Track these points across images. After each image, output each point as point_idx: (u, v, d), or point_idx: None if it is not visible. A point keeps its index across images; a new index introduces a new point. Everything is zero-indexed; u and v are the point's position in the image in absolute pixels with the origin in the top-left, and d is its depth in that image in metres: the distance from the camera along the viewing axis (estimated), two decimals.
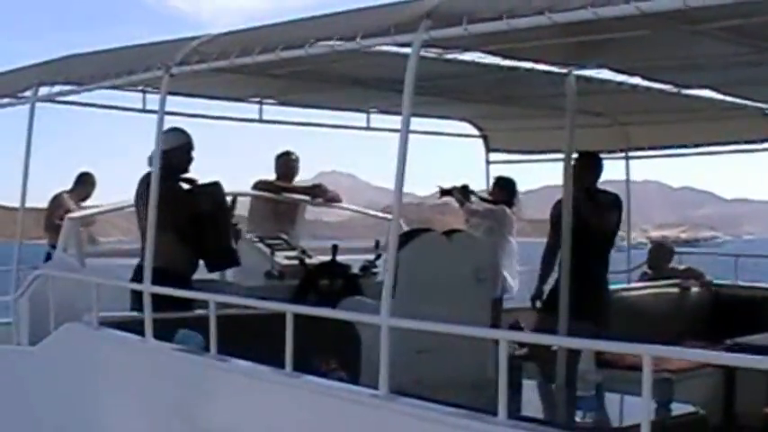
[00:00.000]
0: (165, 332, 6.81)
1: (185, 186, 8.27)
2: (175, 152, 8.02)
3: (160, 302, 6.89)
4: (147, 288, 6.83)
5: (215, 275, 8.84)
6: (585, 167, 8.47)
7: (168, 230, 7.64)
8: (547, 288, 9.34)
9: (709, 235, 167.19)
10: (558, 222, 8.61)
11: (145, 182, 8.05)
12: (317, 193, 10.45)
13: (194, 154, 8.33)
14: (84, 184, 11.84)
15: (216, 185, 8.42)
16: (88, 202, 11.81)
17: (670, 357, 8.70)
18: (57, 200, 11.41)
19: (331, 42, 5.65)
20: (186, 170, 8.27)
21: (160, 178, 7.34)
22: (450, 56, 7.19)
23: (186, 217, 7.95)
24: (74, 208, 11.02)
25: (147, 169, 7.95)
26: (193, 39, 7.00)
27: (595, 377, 6.26)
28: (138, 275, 7.73)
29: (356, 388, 5.65)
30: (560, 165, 7.70)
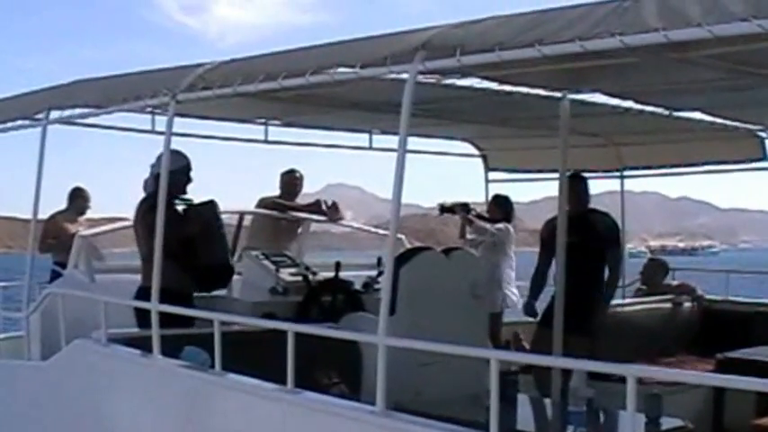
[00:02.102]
0: (171, 348, 6.99)
1: (180, 207, 8.38)
2: (173, 175, 7.99)
3: (163, 320, 7.11)
4: (155, 307, 7.04)
5: (222, 292, 9.02)
6: (570, 189, 8.57)
7: (163, 252, 7.74)
8: (538, 304, 9.54)
9: (705, 243, 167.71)
10: (548, 242, 8.84)
11: (140, 208, 8.28)
12: (317, 209, 10.63)
13: (192, 175, 8.46)
14: (77, 199, 11.89)
15: (208, 204, 8.52)
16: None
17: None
18: (49, 221, 11.53)
19: (330, 71, 5.84)
20: (184, 192, 8.36)
21: (155, 202, 7.58)
22: (447, 81, 7.38)
23: (176, 239, 7.94)
24: (68, 227, 11.22)
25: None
26: (199, 66, 7.19)
27: (586, 393, 6.42)
28: (139, 296, 7.98)
29: (355, 404, 5.79)
30: None
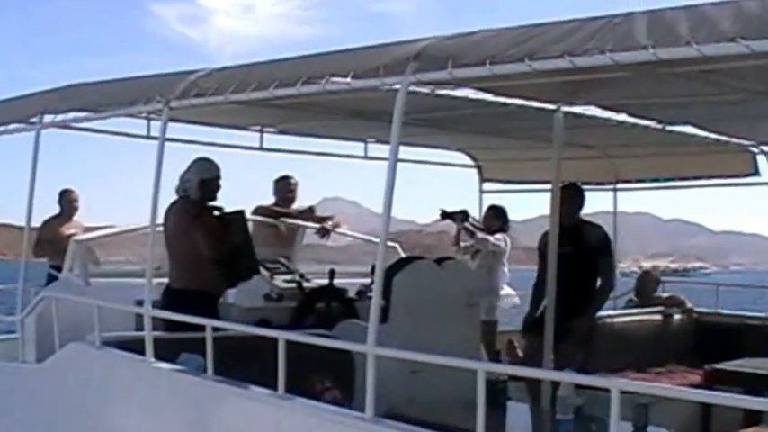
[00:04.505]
0: (169, 352, 7.06)
1: (215, 213, 8.66)
2: (211, 182, 8.56)
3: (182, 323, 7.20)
4: (149, 312, 7.11)
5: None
6: (565, 199, 8.61)
7: (206, 258, 8.30)
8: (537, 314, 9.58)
9: (697, 265, 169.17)
10: (544, 252, 8.90)
11: (170, 210, 8.42)
12: (311, 217, 10.71)
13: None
14: (65, 202, 12.02)
15: (242, 214, 8.83)
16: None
17: (654, 381, 9.06)
18: (43, 226, 11.60)
19: (322, 81, 5.90)
20: (214, 199, 8.64)
21: (196, 207, 8.26)
22: (442, 92, 7.43)
23: (222, 247, 8.42)
24: (61, 231, 11.33)
25: (173, 196, 8.58)
26: (192, 72, 7.23)
27: (574, 401, 6.47)
28: (170, 296, 8.22)
29: (344, 411, 5.86)
30: None
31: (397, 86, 5.51)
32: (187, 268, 8.38)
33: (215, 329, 6.66)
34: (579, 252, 8.85)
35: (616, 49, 4.57)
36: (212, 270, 8.36)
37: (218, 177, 8.61)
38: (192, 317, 6.93)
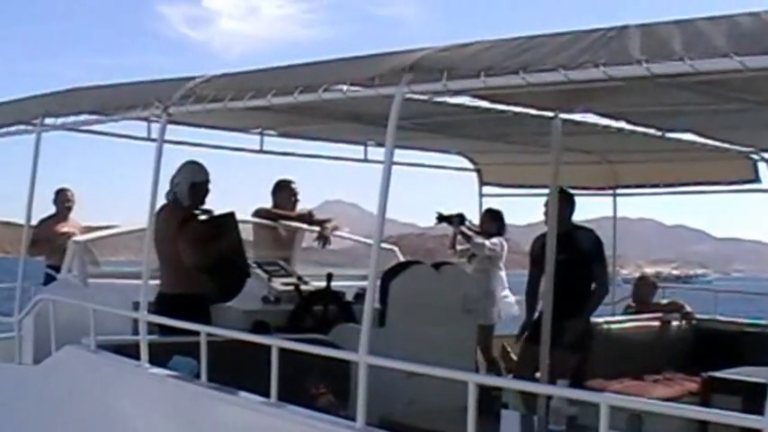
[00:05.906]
0: (164, 356, 7.08)
1: (203, 217, 8.65)
2: (202, 186, 8.57)
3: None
4: (143, 317, 7.13)
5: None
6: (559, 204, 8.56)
7: (198, 263, 8.29)
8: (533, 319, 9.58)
9: (700, 272, 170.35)
10: (536, 258, 8.93)
11: (159, 216, 8.42)
12: (309, 220, 10.66)
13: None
14: (60, 201, 12.08)
15: (233, 216, 8.77)
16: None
17: (651, 389, 9.05)
18: (39, 226, 11.61)
19: (319, 90, 5.90)
20: (203, 203, 8.64)
21: (183, 213, 8.26)
22: (439, 99, 7.42)
23: (207, 254, 8.38)
24: (57, 230, 11.37)
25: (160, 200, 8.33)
26: (191, 78, 7.25)
27: (569, 411, 6.47)
28: (160, 302, 8.26)
29: (336, 419, 5.85)
30: None
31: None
32: (174, 273, 8.36)
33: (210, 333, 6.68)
34: (572, 258, 8.86)
35: (610, 63, 4.57)
36: (198, 275, 8.33)
37: (207, 181, 8.61)
38: (186, 322, 6.93)
